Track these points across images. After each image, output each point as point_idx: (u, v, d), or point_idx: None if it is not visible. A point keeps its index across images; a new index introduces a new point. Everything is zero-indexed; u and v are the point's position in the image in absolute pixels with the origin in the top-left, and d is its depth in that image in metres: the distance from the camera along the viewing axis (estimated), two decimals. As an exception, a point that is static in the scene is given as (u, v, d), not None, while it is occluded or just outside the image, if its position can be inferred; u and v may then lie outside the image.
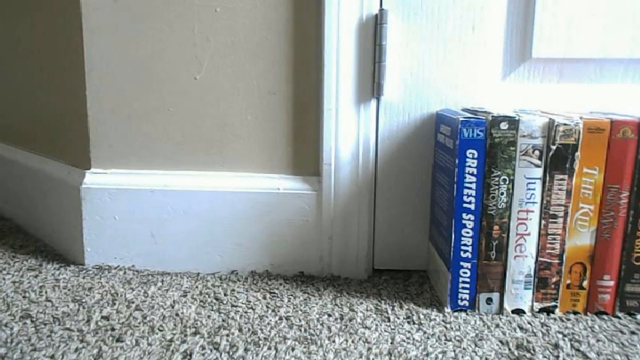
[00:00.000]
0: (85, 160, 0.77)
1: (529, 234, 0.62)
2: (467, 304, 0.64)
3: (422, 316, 0.63)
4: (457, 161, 0.60)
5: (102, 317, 0.62)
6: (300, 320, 0.62)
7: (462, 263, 0.63)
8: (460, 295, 0.64)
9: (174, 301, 0.67)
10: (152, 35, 0.72)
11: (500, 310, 0.64)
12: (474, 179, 0.61)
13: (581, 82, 0.72)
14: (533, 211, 0.62)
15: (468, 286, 0.64)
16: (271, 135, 0.74)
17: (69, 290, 0.69)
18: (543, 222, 0.62)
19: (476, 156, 0.60)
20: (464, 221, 0.62)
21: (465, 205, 0.62)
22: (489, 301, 0.64)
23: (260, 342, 0.57)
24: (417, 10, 0.70)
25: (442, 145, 0.67)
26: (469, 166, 0.61)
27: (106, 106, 0.75)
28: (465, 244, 0.62)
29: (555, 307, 0.64)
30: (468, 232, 0.62)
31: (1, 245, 0.86)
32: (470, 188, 0.61)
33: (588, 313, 0.64)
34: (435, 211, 0.71)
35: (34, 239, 0.89)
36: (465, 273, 0.63)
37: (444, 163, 0.66)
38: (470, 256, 0.63)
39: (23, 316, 0.62)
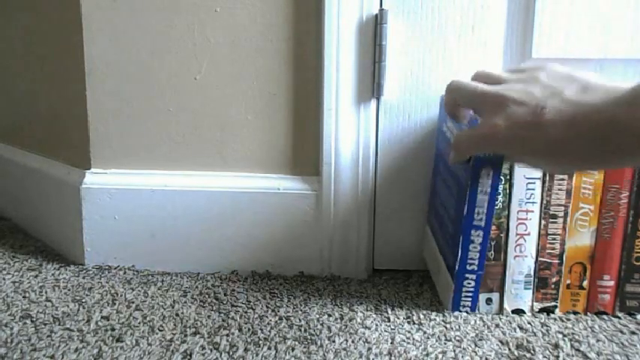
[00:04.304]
0: (85, 160, 0.77)
1: (529, 234, 0.62)
2: (468, 309, 0.64)
3: (422, 316, 0.63)
4: (470, 181, 0.56)
5: (102, 317, 0.62)
6: (300, 320, 0.62)
7: (467, 275, 0.62)
8: (462, 302, 0.63)
9: (174, 301, 0.67)
10: (152, 35, 0.72)
11: (500, 310, 0.64)
12: (486, 198, 0.58)
13: (581, 82, 0.72)
14: (533, 211, 0.62)
15: (471, 294, 0.63)
16: (271, 135, 0.74)
17: (69, 290, 0.69)
18: (543, 222, 0.62)
19: (491, 175, 0.56)
20: (472, 237, 0.59)
21: (475, 222, 0.58)
22: (489, 301, 0.64)
23: (260, 342, 0.57)
24: (417, 10, 0.70)
25: (449, 139, 0.63)
26: (482, 184, 0.57)
27: (106, 106, 0.75)
28: (471, 259, 0.61)
29: (555, 307, 0.64)
30: (475, 248, 0.60)
31: (1, 245, 0.86)
32: (481, 207, 0.58)
33: (588, 313, 0.64)
34: (436, 203, 0.70)
35: (34, 239, 0.89)
36: (470, 284, 0.62)
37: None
38: (476, 268, 0.61)
39: (23, 316, 0.62)
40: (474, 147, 0.51)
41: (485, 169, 0.56)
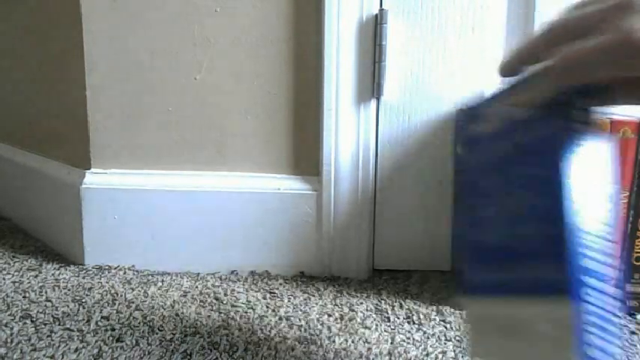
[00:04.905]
0: (85, 160, 0.77)
1: (529, 234, 0.62)
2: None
3: (422, 316, 0.63)
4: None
5: (102, 317, 0.62)
6: (300, 320, 0.62)
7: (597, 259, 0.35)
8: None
9: (174, 301, 0.67)
10: (152, 35, 0.72)
11: (501, 310, 0.64)
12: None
13: (581, 82, 0.72)
14: (533, 211, 0.62)
15: (614, 303, 0.34)
16: (271, 135, 0.74)
17: (69, 290, 0.69)
18: (543, 222, 0.62)
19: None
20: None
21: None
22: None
23: (260, 342, 0.57)
24: (417, 10, 0.70)
25: (494, 135, 0.41)
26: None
27: (106, 106, 0.75)
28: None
29: (555, 307, 0.64)
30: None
31: (1, 245, 0.86)
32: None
33: (588, 313, 0.64)
34: (483, 221, 0.41)
35: (34, 239, 0.89)
36: (605, 274, 0.34)
37: (505, 152, 0.40)
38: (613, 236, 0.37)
39: (23, 316, 0.62)
40: (593, 65, 0.34)
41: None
